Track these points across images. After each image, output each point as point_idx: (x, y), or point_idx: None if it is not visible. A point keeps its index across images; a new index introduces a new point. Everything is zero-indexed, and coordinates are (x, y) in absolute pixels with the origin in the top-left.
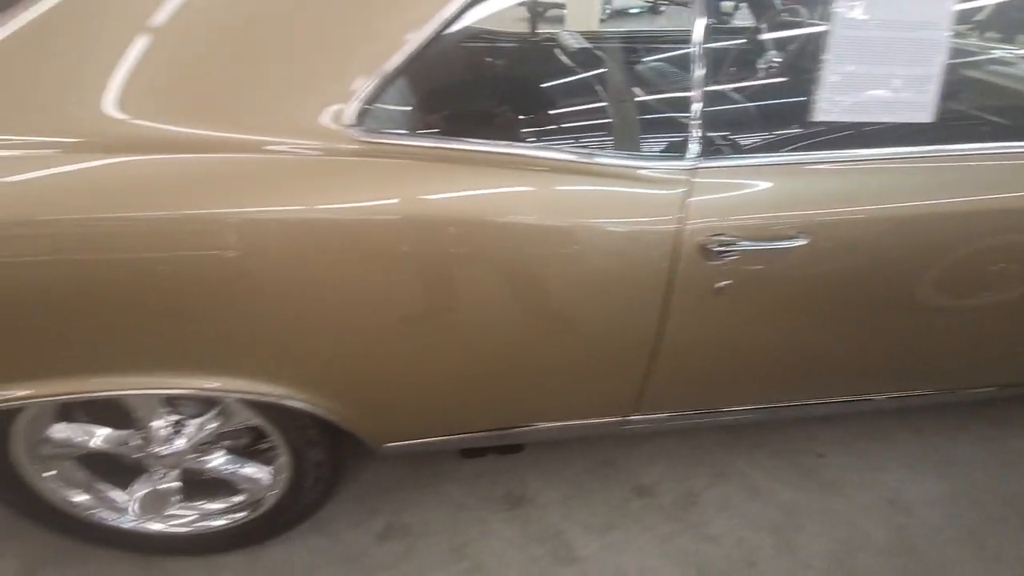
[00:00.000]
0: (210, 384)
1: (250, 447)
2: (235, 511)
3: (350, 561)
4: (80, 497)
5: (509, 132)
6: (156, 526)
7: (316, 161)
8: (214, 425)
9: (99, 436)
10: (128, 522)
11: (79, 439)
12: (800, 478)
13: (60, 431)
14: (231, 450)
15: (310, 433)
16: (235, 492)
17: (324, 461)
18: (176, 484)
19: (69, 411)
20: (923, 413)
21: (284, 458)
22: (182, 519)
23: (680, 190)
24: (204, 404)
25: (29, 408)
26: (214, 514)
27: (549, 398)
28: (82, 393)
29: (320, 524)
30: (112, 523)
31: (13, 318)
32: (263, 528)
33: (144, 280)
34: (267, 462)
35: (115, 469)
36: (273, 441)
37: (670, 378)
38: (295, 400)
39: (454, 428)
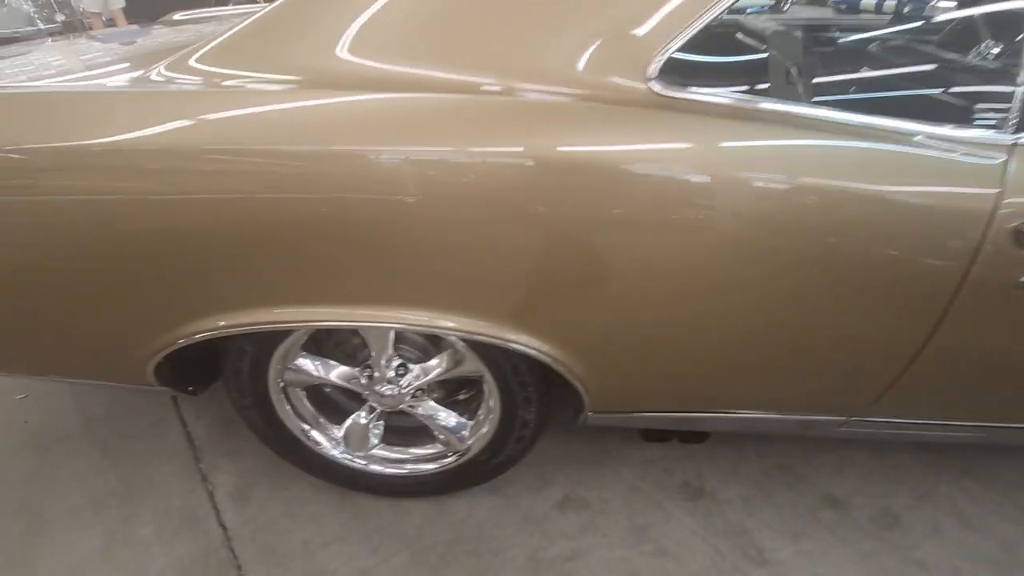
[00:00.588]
0: (446, 323)
1: (446, 399)
2: (443, 457)
3: (532, 524)
4: (307, 427)
5: (804, 94)
6: (375, 467)
7: (613, 110)
8: (437, 370)
9: (335, 370)
10: (340, 456)
11: (318, 371)
12: (1021, 514)
13: (304, 362)
14: (438, 400)
15: (528, 391)
16: (430, 442)
17: (531, 422)
18: (379, 427)
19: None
20: None
21: (494, 413)
22: (395, 460)
23: (998, 162)
24: (427, 350)
25: (290, 336)
26: (425, 459)
27: (780, 388)
28: (341, 321)
29: (498, 486)
30: (327, 455)
31: (286, 247)
32: (452, 480)
33: (378, 218)
34: (469, 416)
35: (334, 410)
36: (486, 393)
37: (923, 382)
38: (535, 349)
39: (670, 405)
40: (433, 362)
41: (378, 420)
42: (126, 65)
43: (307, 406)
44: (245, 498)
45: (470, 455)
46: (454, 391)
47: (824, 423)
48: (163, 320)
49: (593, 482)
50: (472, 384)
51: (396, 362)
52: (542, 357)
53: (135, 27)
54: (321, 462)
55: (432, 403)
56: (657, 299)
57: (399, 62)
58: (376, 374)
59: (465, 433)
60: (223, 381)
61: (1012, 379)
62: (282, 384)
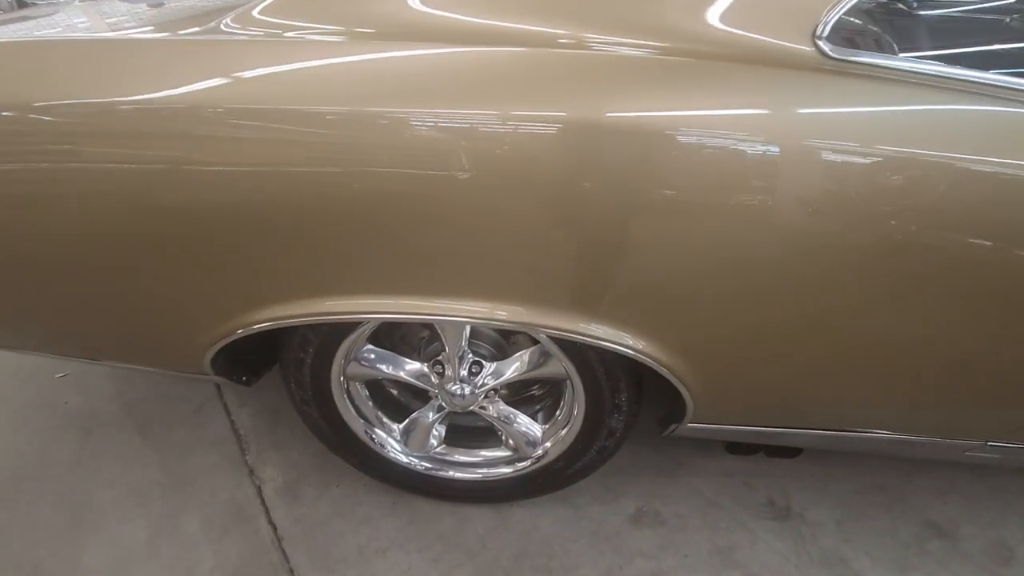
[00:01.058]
0: (530, 320)
1: (513, 396)
2: (519, 460)
3: (604, 540)
4: (368, 424)
5: (982, 62)
6: (451, 472)
7: (766, 73)
8: (515, 367)
9: (403, 366)
10: (407, 460)
11: (384, 366)
12: None
13: (370, 355)
14: (508, 399)
15: (620, 398)
16: (499, 444)
17: (617, 431)
18: (442, 429)
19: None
20: None
21: (576, 419)
22: (468, 464)
23: None
24: (503, 348)
25: (358, 328)
26: (501, 462)
27: (923, 407)
28: (406, 314)
29: (564, 496)
30: (390, 457)
31: (336, 231)
32: (522, 487)
33: (428, 194)
34: (543, 417)
35: (394, 408)
36: (569, 397)
37: None
38: (633, 348)
39: (784, 419)
40: (513, 359)
41: (443, 421)
42: (150, 28)
43: (368, 402)
44: (294, 495)
45: (545, 461)
46: (526, 386)
47: (954, 447)
48: (223, 308)
49: (667, 496)
50: (546, 381)
51: (470, 358)
52: (646, 359)
53: None
54: (383, 464)
55: (507, 406)
56: (781, 296)
57: (480, 12)
58: (448, 371)
59: (538, 437)
60: (281, 373)
61: None
62: (343, 379)
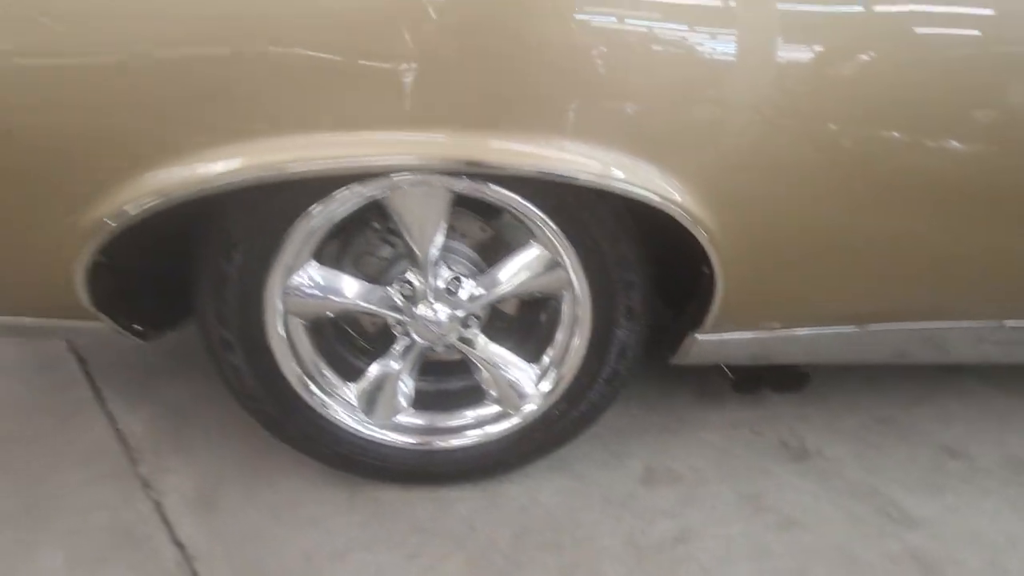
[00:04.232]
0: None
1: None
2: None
3: (616, 505)
4: (312, 386)
5: None
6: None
7: None
8: (518, 274)
9: (361, 289)
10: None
11: (336, 292)
12: None
13: (316, 274)
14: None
15: (632, 295)
16: (476, 402)
17: (630, 348)
18: (409, 382)
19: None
20: None
21: (579, 339)
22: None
23: None
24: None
25: (291, 234)
26: (491, 419)
27: (933, 287)
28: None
29: (560, 465)
30: (341, 424)
31: None
32: (518, 447)
33: None
34: (533, 356)
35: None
36: (568, 309)
37: None
38: (656, 193)
39: (820, 313)
40: (517, 258)
41: (411, 369)
42: None
43: (313, 352)
44: (210, 505)
45: (544, 408)
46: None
47: (972, 333)
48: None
49: (676, 452)
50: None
51: (446, 274)
52: (684, 215)
53: None
54: (346, 442)
55: (498, 347)
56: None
57: None
58: (416, 283)
59: (528, 381)
60: (196, 304)
61: None
62: (281, 311)
